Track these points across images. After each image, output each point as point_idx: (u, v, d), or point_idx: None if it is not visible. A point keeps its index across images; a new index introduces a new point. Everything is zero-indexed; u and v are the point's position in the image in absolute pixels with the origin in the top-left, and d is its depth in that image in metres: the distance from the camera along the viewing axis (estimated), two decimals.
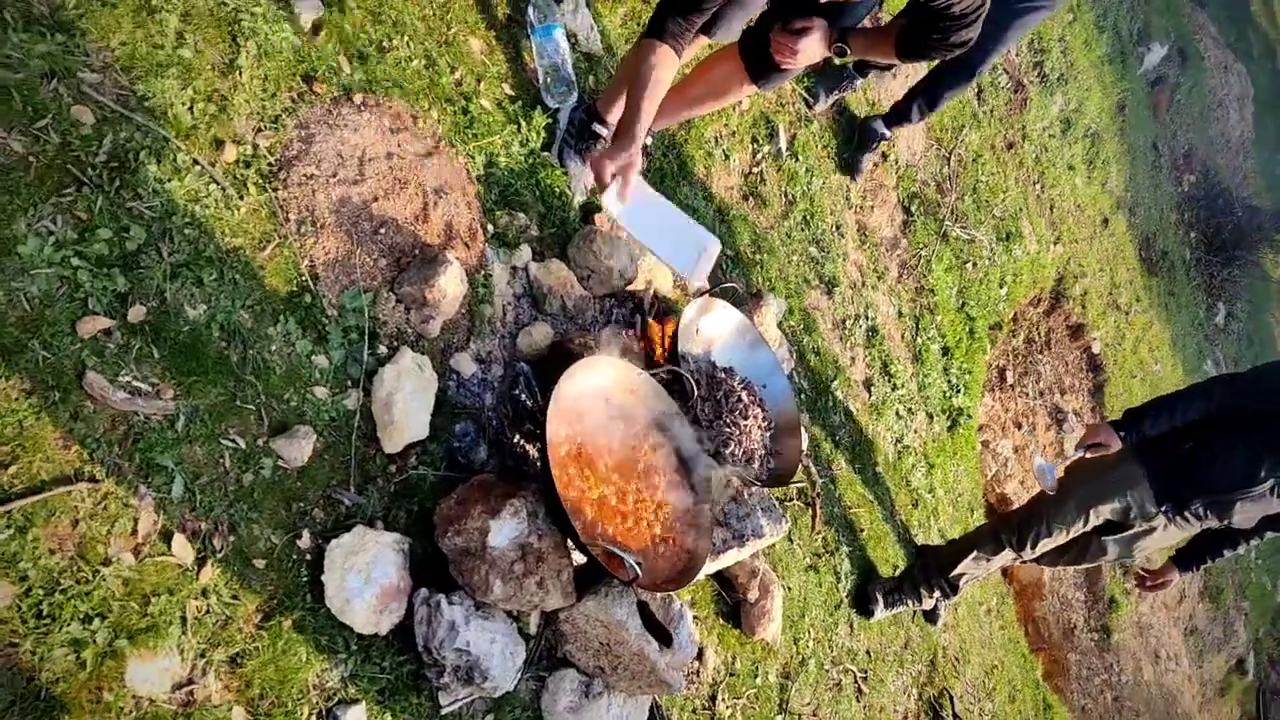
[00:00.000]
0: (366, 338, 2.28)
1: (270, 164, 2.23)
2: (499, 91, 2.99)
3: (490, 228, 2.75)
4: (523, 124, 3.04)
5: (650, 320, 3.12)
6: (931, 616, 4.32)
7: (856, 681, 3.76)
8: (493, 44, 3.02)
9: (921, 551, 4.41)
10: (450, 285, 2.37)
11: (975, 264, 5.56)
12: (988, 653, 4.94)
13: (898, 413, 4.75)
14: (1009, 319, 6.04)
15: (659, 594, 2.39)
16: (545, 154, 3.10)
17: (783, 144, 4.30)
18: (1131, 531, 3.79)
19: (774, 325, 3.70)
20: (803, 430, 3.37)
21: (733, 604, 3.18)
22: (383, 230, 2.37)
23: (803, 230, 4.39)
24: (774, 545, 3.07)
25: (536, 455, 2.45)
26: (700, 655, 2.99)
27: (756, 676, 3.20)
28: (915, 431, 4.86)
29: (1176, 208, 8.82)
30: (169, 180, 2.05)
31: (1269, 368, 3.47)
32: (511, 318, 2.74)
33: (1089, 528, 3.81)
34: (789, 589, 3.50)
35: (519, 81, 3.09)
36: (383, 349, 2.32)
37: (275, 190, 2.22)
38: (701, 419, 2.92)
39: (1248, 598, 8.78)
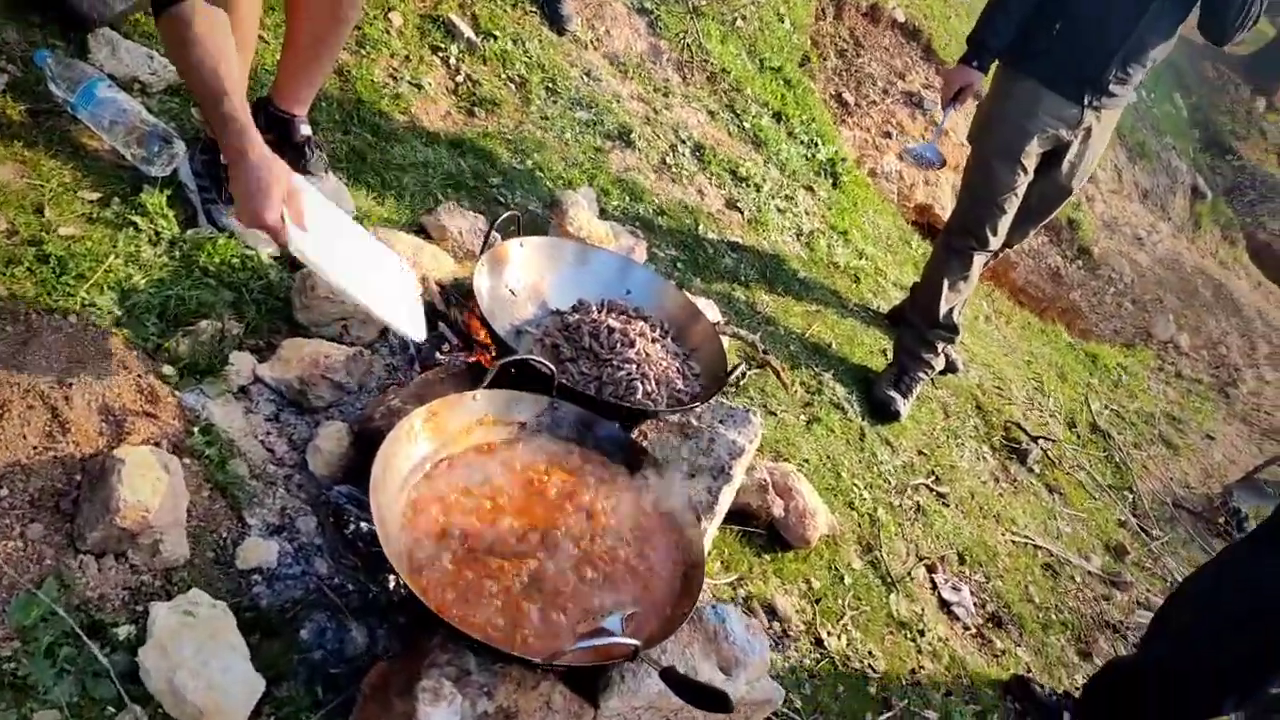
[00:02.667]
0: (87, 639, 1.48)
1: None
2: (77, 205, 2.12)
3: (169, 368, 1.93)
4: (138, 220, 2.19)
5: (459, 315, 2.35)
6: (951, 368, 3.75)
7: (932, 490, 3.18)
8: (30, 156, 2.13)
9: (897, 319, 3.81)
10: (143, 486, 1.57)
11: (744, 16, 4.82)
12: (1016, 356, 4.42)
13: (778, 208, 4.07)
14: (810, 47, 5.36)
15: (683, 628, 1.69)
16: (194, 231, 2.27)
17: (468, 32, 3.47)
18: (1070, 153, 3.24)
19: (594, 220, 2.95)
20: (702, 306, 2.67)
21: (766, 529, 2.53)
22: (4, 490, 1.55)
23: (554, 103, 3.60)
24: (759, 441, 2.40)
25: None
26: (772, 614, 2.33)
27: (841, 578, 2.58)
28: (807, 213, 4.20)
29: None
30: None
31: None
32: (282, 448, 1.95)
33: (1031, 175, 3.24)
34: (807, 463, 2.85)
35: (99, 176, 2.22)
36: (121, 632, 1.53)
37: None
38: (584, 379, 2.19)
39: (1165, 132, 8.53)
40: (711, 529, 2.13)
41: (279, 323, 2.17)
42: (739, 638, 1.80)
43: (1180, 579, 3.51)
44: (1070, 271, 6.36)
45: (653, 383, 2.20)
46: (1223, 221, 8.07)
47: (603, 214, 3.25)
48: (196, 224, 2.30)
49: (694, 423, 2.29)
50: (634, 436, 2.21)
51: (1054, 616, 3.00)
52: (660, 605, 1.72)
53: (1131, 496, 3.87)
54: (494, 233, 2.37)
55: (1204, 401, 5.02)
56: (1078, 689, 2.75)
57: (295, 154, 2.49)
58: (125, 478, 1.57)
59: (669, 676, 1.46)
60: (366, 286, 1.88)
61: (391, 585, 1.77)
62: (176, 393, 1.89)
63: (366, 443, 1.94)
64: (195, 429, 1.84)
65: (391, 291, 1.99)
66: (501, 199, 3.06)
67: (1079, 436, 4.07)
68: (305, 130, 2.51)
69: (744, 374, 2.75)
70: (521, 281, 2.42)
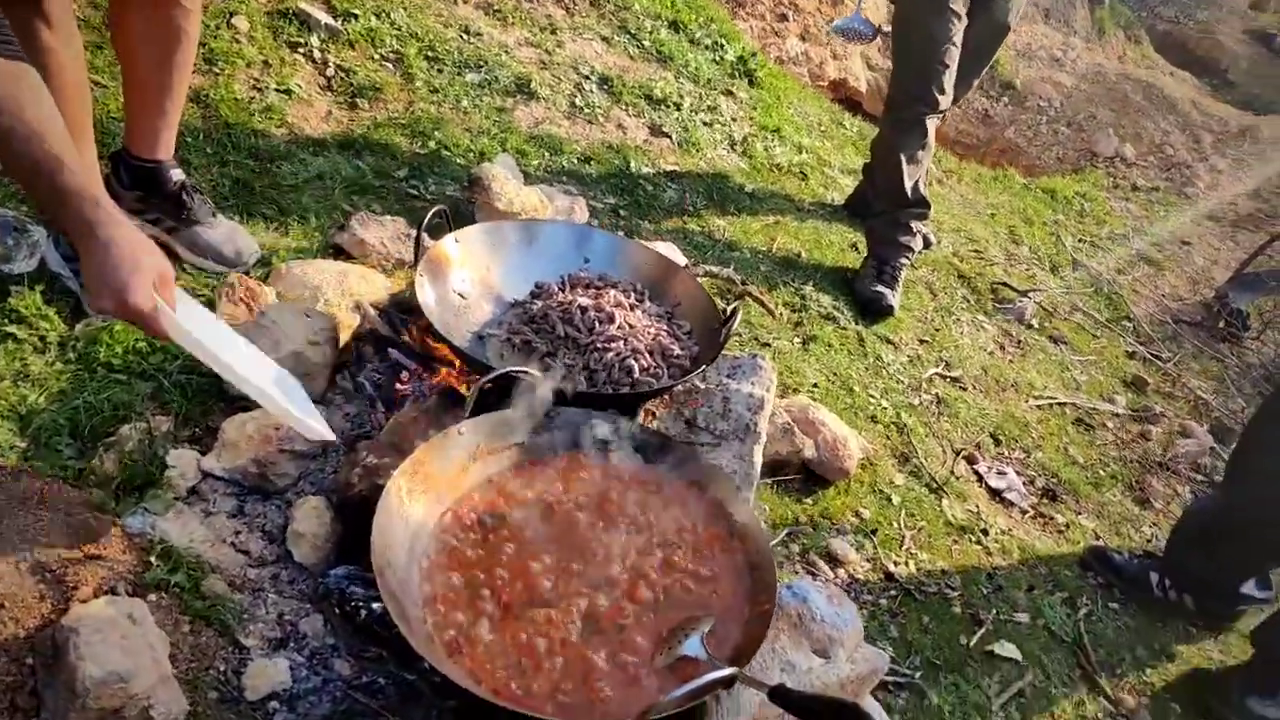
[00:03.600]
0: None
1: None
2: None
3: (100, 493, 1.64)
4: (15, 329, 1.88)
5: (409, 336, 2.08)
6: (926, 244, 3.56)
7: (946, 378, 3.00)
8: None
9: (858, 208, 3.59)
10: (108, 653, 1.30)
11: None
12: (979, 213, 4.25)
13: (704, 123, 3.80)
14: None
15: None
16: (84, 324, 1.96)
17: (325, 18, 3.10)
18: None
19: (522, 189, 2.66)
20: (666, 255, 2.42)
21: (800, 472, 2.33)
22: None
23: (439, 72, 3.26)
24: (769, 382, 2.17)
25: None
26: (834, 566, 2.15)
27: (889, 498, 2.40)
28: (733, 119, 3.93)
29: None
30: None
31: None
32: (257, 545, 1.69)
33: (965, 20, 3.01)
34: (816, 387, 2.65)
35: None
36: None
37: None
38: (576, 371, 1.94)
39: None
40: (753, 497, 1.92)
41: (211, 403, 1.88)
42: (825, 613, 1.60)
43: (1203, 395, 3.41)
44: (999, 110, 6.18)
45: (646, 355, 1.95)
46: (1123, 22, 7.94)
47: (527, 179, 2.95)
48: (83, 315, 1.98)
49: (701, 385, 2.06)
50: (643, 422, 1.98)
51: (1102, 472, 2.86)
52: (737, 607, 1.50)
53: (1132, 324, 3.75)
54: (423, 234, 2.07)
55: (1168, 209, 4.91)
56: (1149, 542, 2.64)
57: (173, 205, 2.17)
58: (84, 649, 1.29)
59: (781, 698, 1.25)
60: (267, 383, 1.55)
61: (428, 667, 1.54)
62: (117, 520, 1.60)
63: (352, 513, 1.68)
64: (151, 557, 1.56)
65: (289, 395, 1.64)
66: (414, 192, 2.75)
67: (1064, 279, 3.92)
68: (177, 175, 2.18)
69: (729, 312, 2.52)
70: (468, 281, 2.14)
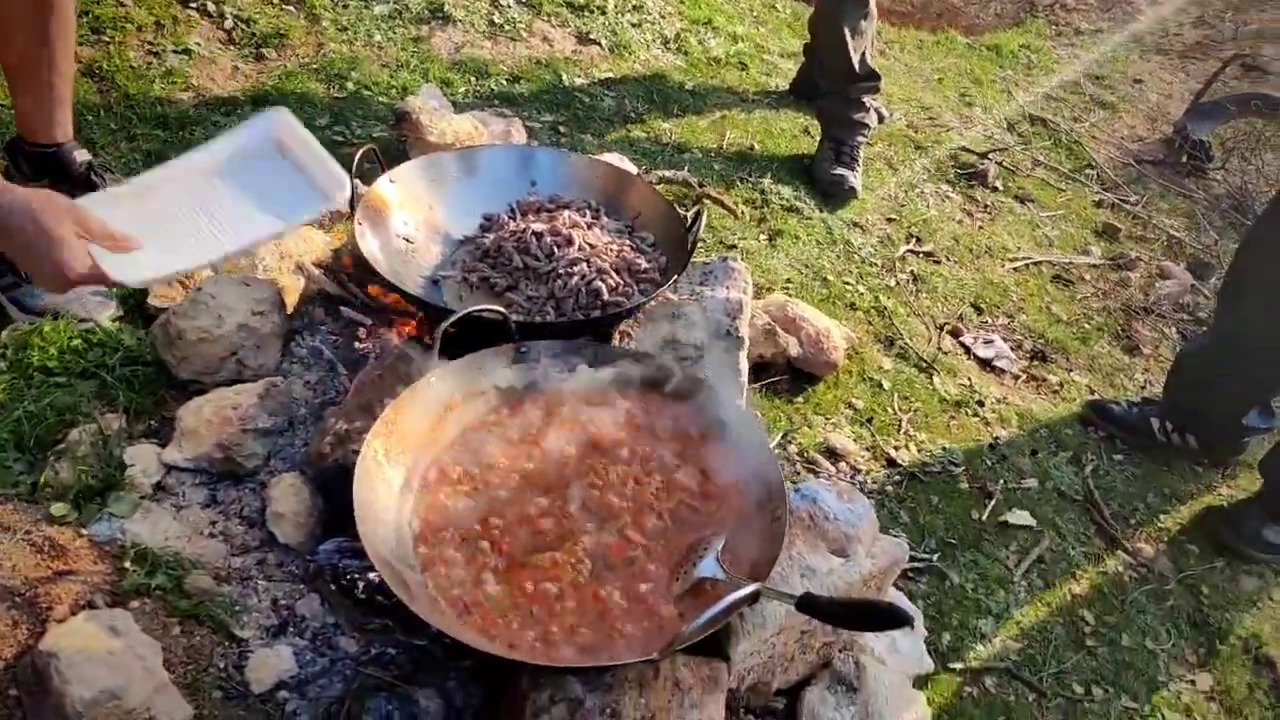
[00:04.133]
0: None
1: None
2: None
3: (60, 505, 1.53)
4: None
5: (359, 291, 1.96)
6: (880, 119, 3.44)
7: (917, 253, 2.93)
8: None
9: (805, 91, 3.45)
10: (94, 671, 1.22)
11: None
12: (927, 80, 4.11)
13: (632, 24, 3.62)
14: None
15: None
16: (10, 330, 1.83)
17: None
18: None
19: (452, 118, 2.51)
20: (618, 166, 2.29)
21: (786, 372, 2.26)
22: None
23: (344, 8, 3.05)
24: (744, 284, 2.08)
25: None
26: (835, 461, 2.10)
27: (879, 384, 2.34)
28: (662, 16, 3.74)
29: None
30: None
31: None
32: (237, 532, 1.60)
33: None
34: (790, 283, 2.57)
35: None
36: None
37: None
38: (535, 304, 1.84)
39: None
40: (745, 404, 1.85)
41: (161, 391, 1.76)
42: (837, 511, 1.55)
43: (1175, 233, 3.37)
44: None
45: (613, 274, 1.85)
46: None
47: (456, 108, 2.79)
48: (7, 320, 1.84)
49: (672, 297, 1.96)
50: (618, 344, 1.89)
51: (1087, 326, 2.83)
52: (748, 520, 1.44)
53: (1095, 172, 3.68)
54: (355, 180, 1.93)
55: (1115, 48, 4.80)
56: (1144, 389, 2.62)
57: (84, 189, 2.01)
58: (68, 671, 1.21)
59: (808, 606, 1.19)
60: (239, 222, 1.49)
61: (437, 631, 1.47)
62: (83, 530, 1.50)
63: (330, 483, 1.59)
64: (125, 562, 1.46)
65: (281, 177, 1.58)
66: (339, 139, 2.58)
67: (1021, 135, 3.83)
68: (82, 157, 2.02)
69: (693, 217, 2.41)
70: (411, 223, 2.01)
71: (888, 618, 1.13)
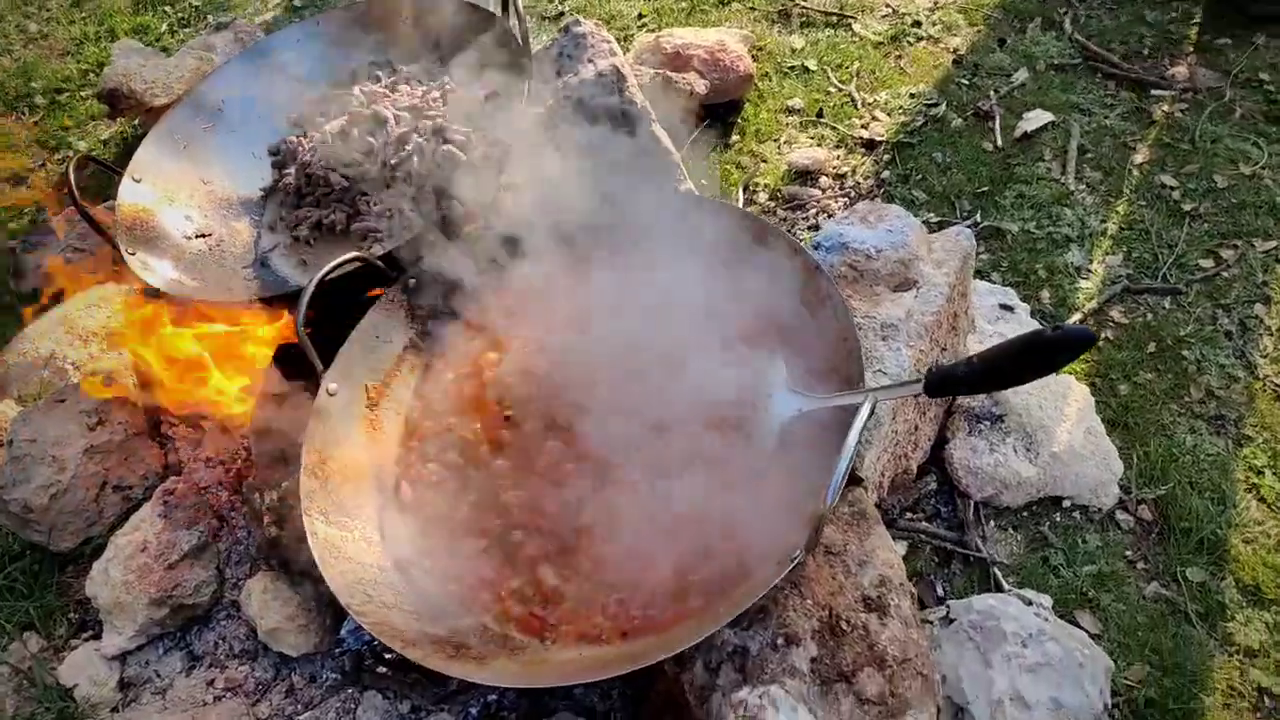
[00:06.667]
0: None
1: None
2: None
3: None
4: None
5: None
6: None
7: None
8: None
9: None
10: None
11: None
12: None
13: None
14: None
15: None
16: None
17: None
18: None
19: (170, 66, 1.93)
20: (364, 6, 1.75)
21: (706, 116, 1.83)
22: None
23: None
24: (607, 45, 1.61)
25: None
26: (814, 182, 1.72)
27: (807, 70, 1.92)
28: None
29: None
30: None
31: None
32: (241, 676, 1.26)
33: None
34: (645, 18, 2.08)
35: None
36: None
37: None
38: (397, 214, 1.40)
39: None
40: (688, 184, 1.44)
41: (53, 579, 1.36)
42: (874, 240, 1.19)
43: None
44: None
45: (457, 129, 1.39)
46: None
47: (168, 54, 2.18)
48: None
49: (546, 98, 1.51)
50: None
51: None
52: (801, 333, 1.08)
53: None
54: (80, 201, 1.41)
55: None
56: None
57: None
58: None
59: (945, 384, 0.86)
60: None
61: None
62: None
63: (305, 555, 1.23)
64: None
65: None
66: (57, 163, 2.02)
67: None
68: None
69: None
70: (194, 215, 1.51)
71: (1052, 348, 0.77)
